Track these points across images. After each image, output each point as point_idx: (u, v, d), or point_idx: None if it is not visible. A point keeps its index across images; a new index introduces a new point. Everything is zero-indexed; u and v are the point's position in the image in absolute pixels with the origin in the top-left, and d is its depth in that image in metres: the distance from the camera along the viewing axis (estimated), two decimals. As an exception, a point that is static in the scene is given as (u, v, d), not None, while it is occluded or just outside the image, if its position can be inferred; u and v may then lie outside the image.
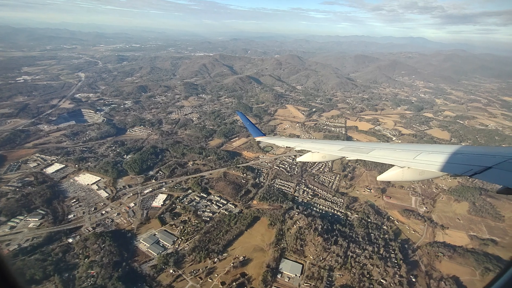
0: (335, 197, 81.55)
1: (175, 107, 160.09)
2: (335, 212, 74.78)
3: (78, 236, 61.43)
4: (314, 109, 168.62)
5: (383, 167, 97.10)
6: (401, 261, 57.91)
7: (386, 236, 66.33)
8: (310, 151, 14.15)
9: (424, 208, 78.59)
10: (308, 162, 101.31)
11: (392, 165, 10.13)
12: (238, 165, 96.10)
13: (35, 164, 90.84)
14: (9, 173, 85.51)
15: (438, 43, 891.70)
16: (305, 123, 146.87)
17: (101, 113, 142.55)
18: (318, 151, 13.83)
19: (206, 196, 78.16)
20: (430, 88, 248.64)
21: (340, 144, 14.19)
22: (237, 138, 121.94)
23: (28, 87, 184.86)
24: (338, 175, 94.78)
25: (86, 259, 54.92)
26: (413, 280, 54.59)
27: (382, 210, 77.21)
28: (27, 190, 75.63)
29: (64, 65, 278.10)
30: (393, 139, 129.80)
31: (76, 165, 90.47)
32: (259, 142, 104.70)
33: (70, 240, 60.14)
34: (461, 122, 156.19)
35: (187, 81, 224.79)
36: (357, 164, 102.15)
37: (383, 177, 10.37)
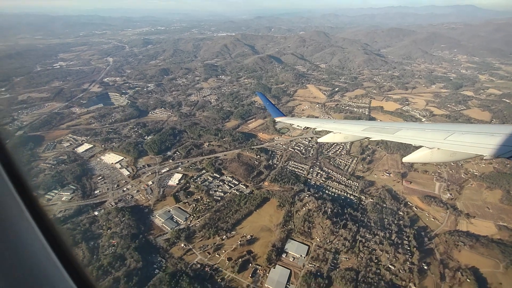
0: (349, 181, 78.82)
1: (194, 89, 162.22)
2: (348, 196, 72.59)
3: (102, 210, 67.37)
4: (336, 89, 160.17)
5: (407, 150, 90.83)
6: (415, 249, 55.25)
7: (401, 222, 63.28)
8: (331, 131, 13.75)
9: (449, 195, 72.92)
10: (328, 143, 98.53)
11: (419, 147, 9.71)
12: (252, 147, 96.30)
13: (68, 144, 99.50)
14: (46, 151, 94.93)
15: (491, 11, 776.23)
16: (326, 103, 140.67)
17: (126, 96, 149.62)
18: (340, 132, 13.41)
19: (219, 176, 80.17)
20: (474, 63, 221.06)
21: (363, 125, 13.75)
22: (253, 119, 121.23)
23: (63, 72, 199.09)
24: (356, 158, 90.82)
25: (108, 230, 60.47)
26: (425, 268, 52.10)
27: (400, 196, 73.22)
28: (61, 168, 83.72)
29: (95, 50, 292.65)
30: (423, 120, 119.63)
31: (103, 145, 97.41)
32: (275, 123, 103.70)
33: (96, 213, 66.19)
34: (507, 101, 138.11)
35: (208, 62, 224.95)
36: (378, 147, 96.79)
37: (410, 158, 10.12)
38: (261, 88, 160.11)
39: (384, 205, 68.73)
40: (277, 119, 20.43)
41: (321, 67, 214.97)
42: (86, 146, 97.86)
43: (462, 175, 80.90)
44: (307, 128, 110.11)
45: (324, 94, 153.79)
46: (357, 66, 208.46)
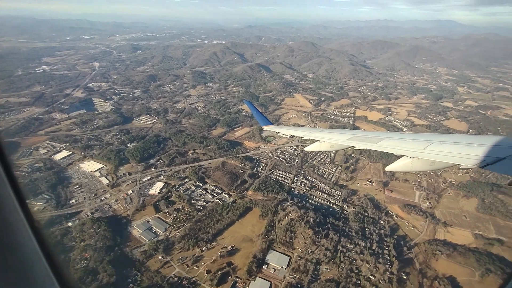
0: (333, 190, 79.31)
1: (182, 96, 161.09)
2: (331, 205, 72.85)
3: (77, 221, 64.46)
4: (323, 98, 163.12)
5: (389, 159, 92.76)
6: (394, 258, 55.60)
7: (382, 231, 63.81)
8: (318, 140, 14.07)
9: (428, 204, 74.54)
10: (313, 152, 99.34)
11: (401, 156, 10.03)
12: (237, 155, 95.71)
13: (45, 151, 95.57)
14: (21, 159, 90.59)
15: (470, 27, 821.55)
16: (312, 112, 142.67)
17: (110, 102, 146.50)
18: (326, 141, 13.74)
19: (202, 185, 78.84)
20: (453, 76, 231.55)
21: (349, 134, 13.85)
22: (240, 127, 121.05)
23: (46, 76, 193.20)
24: (340, 167, 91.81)
25: (81, 243, 57.70)
26: (404, 277, 52.36)
27: (381, 205, 74.17)
28: (35, 176, 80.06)
29: (81, 55, 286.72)
30: (404, 130, 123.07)
31: (82, 153, 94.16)
32: (261, 131, 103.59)
33: (70, 224, 63.23)
34: (483, 112, 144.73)
35: (196, 69, 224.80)
36: (361, 156, 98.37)
37: (392, 167, 10.24)
38: (249, 96, 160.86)
39: (366, 214, 69.29)
40: (265, 128, 20.66)
41: (308, 76, 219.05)
42: (64, 153, 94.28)
43: (441, 184, 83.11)
44: (293, 136, 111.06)
45: (311, 103, 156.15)
46: (343, 77, 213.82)
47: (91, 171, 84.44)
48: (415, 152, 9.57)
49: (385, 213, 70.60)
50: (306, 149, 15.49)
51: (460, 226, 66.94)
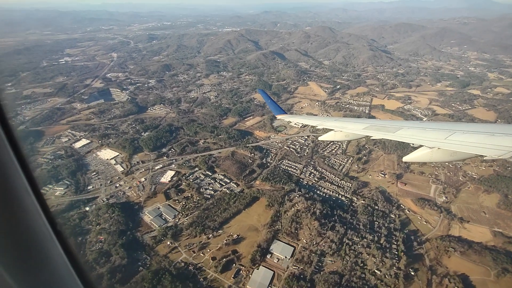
0: (343, 181, 77.57)
1: (195, 85, 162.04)
2: (340, 197, 71.50)
3: (94, 206, 68.34)
4: (338, 86, 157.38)
5: (405, 150, 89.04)
6: (402, 253, 54.02)
7: (392, 225, 61.97)
8: (332, 130, 13.74)
9: (444, 198, 70.96)
10: (326, 142, 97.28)
11: (420, 146, 9.77)
12: (247, 145, 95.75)
13: (66, 139, 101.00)
14: (45, 146, 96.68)
15: (507, 6, 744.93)
16: (326, 101, 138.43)
17: (127, 92, 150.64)
18: (341, 130, 13.39)
19: (211, 174, 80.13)
20: (484, 60, 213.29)
21: (364, 123, 13.44)
22: (251, 117, 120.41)
23: (68, 68, 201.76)
24: (352, 158, 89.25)
25: (97, 226, 61.31)
26: (412, 273, 50.93)
27: (393, 198, 71.69)
28: (57, 163, 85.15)
29: (100, 46, 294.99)
30: (424, 119, 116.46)
31: (100, 141, 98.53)
32: (272, 121, 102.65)
33: (87, 209, 67.21)
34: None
35: (210, 58, 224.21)
36: (375, 147, 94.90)
37: (410, 157, 10.20)
38: (262, 85, 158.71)
39: (376, 207, 67.40)
40: (278, 117, 20.68)
41: (324, 63, 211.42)
42: (83, 141, 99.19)
43: (460, 178, 78.55)
44: (305, 126, 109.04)
45: (325, 91, 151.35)
46: (361, 63, 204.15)
47: (108, 159, 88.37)
48: (435, 142, 9.21)
49: (396, 206, 68.25)
50: (320, 138, 15.37)
51: (478, 223, 63.41)
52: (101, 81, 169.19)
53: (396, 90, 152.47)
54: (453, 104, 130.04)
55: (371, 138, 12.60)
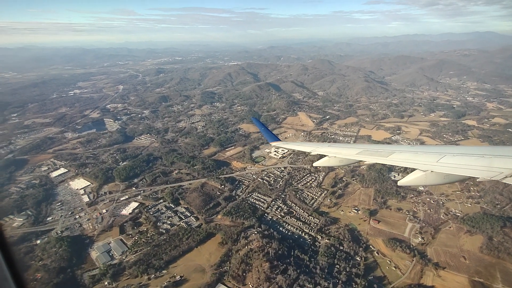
0: (311, 217, 72.28)
1: (186, 115, 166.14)
2: (303, 234, 65.94)
3: (46, 238, 66.27)
4: (328, 116, 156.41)
5: (384, 184, 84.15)
6: (359, 305, 47.20)
7: (354, 270, 55.38)
8: (326, 155, 14.01)
9: (420, 239, 63.86)
10: (303, 174, 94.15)
11: (413, 169, 9.83)
12: (220, 176, 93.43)
13: (46, 168, 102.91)
14: (24, 175, 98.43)
15: (511, 37, 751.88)
16: (312, 131, 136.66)
17: (119, 122, 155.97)
18: (334, 155, 13.62)
19: (173, 207, 77.35)
20: (483, 90, 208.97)
21: (357, 148, 13.72)
22: (232, 147, 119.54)
23: (74, 99, 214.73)
24: (326, 191, 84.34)
25: (39, 262, 58.54)
26: (366, 332, 43.77)
27: (363, 237, 65.30)
28: (28, 192, 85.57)
29: (111, 79, 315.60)
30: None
31: (76, 170, 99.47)
32: (252, 151, 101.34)
33: (38, 242, 65.15)
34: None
35: (208, 90, 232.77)
36: (353, 179, 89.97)
37: (405, 181, 10.04)
38: (252, 115, 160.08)
39: (341, 247, 61.25)
40: (273, 144, 20.63)
41: (318, 94, 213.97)
42: (61, 170, 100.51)
43: (442, 216, 71.41)
44: (283, 157, 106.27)
45: (314, 121, 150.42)
46: (355, 94, 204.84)
47: (78, 189, 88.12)
48: (428, 165, 9.38)
49: (364, 247, 61.75)
50: (314, 164, 15.57)
51: (455, 270, 55.65)
52: (98, 111, 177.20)
53: (387, 120, 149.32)
54: (444, 135, 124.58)
55: (365, 163, 15.66)
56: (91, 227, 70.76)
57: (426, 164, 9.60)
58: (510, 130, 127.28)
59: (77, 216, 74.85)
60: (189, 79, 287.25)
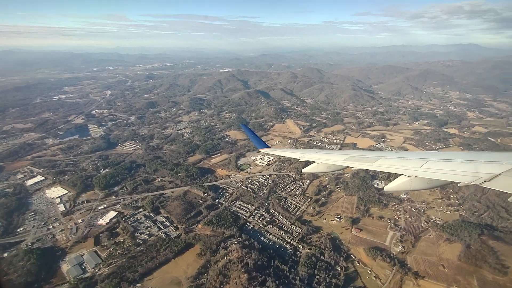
0: (293, 226, 71.44)
1: (173, 122, 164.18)
2: (284, 244, 64.89)
3: (14, 251, 62.72)
4: (315, 124, 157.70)
5: (366, 192, 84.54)
6: (337, 317, 46.22)
7: (334, 280, 54.57)
8: (315, 162, 14.18)
9: (400, 247, 63.86)
10: (289, 181, 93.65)
11: (399, 175, 10.02)
12: (203, 184, 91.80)
13: (21, 175, 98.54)
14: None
15: (494, 49, 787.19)
16: (299, 139, 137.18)
17: (104, 128, 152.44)
18: (323, 162, 13.85)
19: (153, 216, 75.05)
20: (465, 100, 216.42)
21: (345, 154, 13.95)
22: (218, 154, 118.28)
23: (58, 104, 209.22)
24: (310, 199, 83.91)
25: (4, 277, 55.10)
26: None
27: (344, 246, 64.79)
28: (0, 201, 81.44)
29: (99, 84, 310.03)
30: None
31: (54, 178, 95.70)
32: (237, 159, 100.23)
33: (5, 255, 61.56)
34: (492, 139, 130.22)
35: (197, 96, 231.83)
36: (337, 187, 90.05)
37: (390, 187, 10.11)
38: (240, 122, 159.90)
39: (322, 257, 60.46)
40: (262, 150, 20.53)
41: (307, 102, 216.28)
42: (38, 178, 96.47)
43: (422, 224, 71.92)
44: (269, 165, 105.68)
45: (301, 129, 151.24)
46: (342, 102, 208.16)
47: (53, 198, 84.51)
48: (412, 171, 9.59)
49: (345, 257, 61.18)
50: (303, 171, 15.70)
51: (434, 279, 55.63)
52: (83, 117, 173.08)
53: (372, 128, 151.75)
54: (427, 143, 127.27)
55: (352, 168, 12.89)
56: (64, 238, 67.55)
57: (410, 169, 9.80)
58: (489, 138, 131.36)
59: (50, 227, 71.39)
60: (178, 85, 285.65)
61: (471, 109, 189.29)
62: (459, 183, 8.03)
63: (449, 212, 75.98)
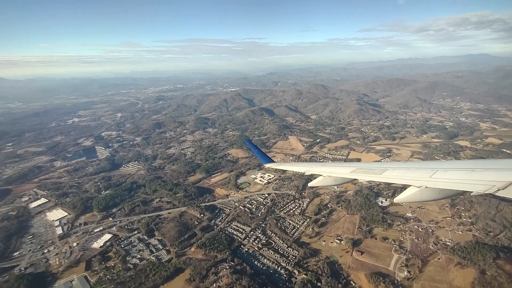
0: (290, 248, 67.81)
1: (177, 142, 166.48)
2: (279, 269, 61.21)
3: (7, 276, 62.52)
4: (318, 140, 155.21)
5: (369, 210, 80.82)
6: None
7: (330, 310, 50.23)
8: (321, 175, 14.03)
9: (406, 273, 58.66)
10: (288, 200, 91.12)
11: (408, 185, 9.76)
12: (201, 204, 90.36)
13: (26, 198, 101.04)
14: (3, 206, 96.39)
15: (505, 58, 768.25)
16: (302, 155, 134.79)
17: (110, 149, 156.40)
18: (329, 175, 13.68)
19: (147, 239, 73.68)
20: (477, 110, 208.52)
21: (351, 166, 13.71)
22: (219, 173, 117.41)
23: (71, 127, 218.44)
24: (309, 219, 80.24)
25: (-7, 303, 54.54)
26: None
27: (343, 271, 60.31)
28: (1, 224, 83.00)
29: (111, 107, 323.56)
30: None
31: (56, 200, 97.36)
32: (237, 178, 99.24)
33: (-2, 280, 61.37)
34: (507, 151, 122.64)
35: (203, 116, 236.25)
36: (338, 206, 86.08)
37: (400, 198, 9.91)
38: (242, 140, 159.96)
39: (319, 284, 56.32)
40: (266, 165, 20.56)
41: (311, 118, 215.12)
42: (42, 201, 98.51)
43: (431, 246, 66.44)
44: (269, 183, 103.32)
45: (304, 145, 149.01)
46: (347, 117, 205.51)
47: (53, 220, 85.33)
48: (422, 181, 9.36)
49: (344, 283, 56.69)
50: (309, 184, 15.41)
51: (444, 309, 50.14)
52: (92, 139, 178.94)
53: (378, 143, 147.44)
54: (436, 157, 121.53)
55: (359, 181, 12.91)
56: (57, 262, 66.96)
57: (419, 180, 9.55)
58: (504, 150, 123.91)
59: (45, 251, 71.30)
60: (186, 105, 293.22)
61: (484, 119, 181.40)
62: (471, 192, 7.72)
63: (460, 232, 70.11)
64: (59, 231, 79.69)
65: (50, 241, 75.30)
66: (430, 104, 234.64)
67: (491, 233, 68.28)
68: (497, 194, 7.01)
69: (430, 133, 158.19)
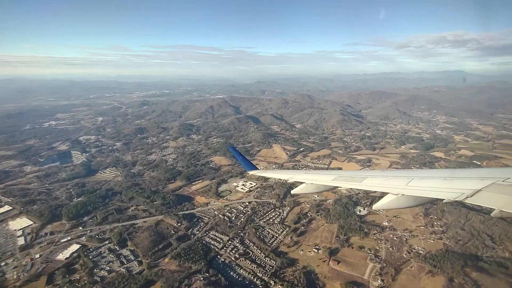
0: (267, 258, 66.61)
1: (159, 148, 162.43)
2: (255, 279, 59.75)
3: (-44, 291, 56.98)
4: (302, 149, 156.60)
5: (347, 219, 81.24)
6: None
7: (304, 322, 49.23)
8: (304, 182, 14.20)
9: (379, 282, 58.96)
10: (268, 209, 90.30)
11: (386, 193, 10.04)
12: (178, 213, 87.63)
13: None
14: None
15: (479, 75, 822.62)
16: (284, 164, 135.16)
17: (87, 154, 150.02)
18: (312, 182, 13.89)
19: (118, 249, 70.06)
20: (452, 124, 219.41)
21: (332, 174, 14.03)
22: (200, 180, 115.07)
23: (46, 131, 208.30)
24: (288, 228, 79.61)
25: None
26: None
27: (320, 281, 59.75)
28: (-44, 234, 76.29)
29: (92, 111, 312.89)
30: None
31: (22, 208, 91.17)
32: (218, 185, 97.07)
33: None
34: (477, 163, 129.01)
35: (188, 122, 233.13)
36: (318, 215, 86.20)
37: (379, 205, 10.14)
38: (226, 147, 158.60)
39: (294, 295, 55.33)
40: (250, 172, 20.57)
41: (296, 127, 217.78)
42: (5, 208, 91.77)
43: (404, 254, 67.48)
44: (250, 191, 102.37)
45: (287, 154, 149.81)
46: (331, 126, 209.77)
47: (15, 230, 79.48)
48: (399, 189, 9.70)
49: (319, 294, 56.08)
50: (292, 192, 15.32)
51: (415, 319, 50.48)
52: (68, 143, 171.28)
53: (359, 153, 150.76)
54: (412, 167, 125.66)
55: (340, 188, 14.76)
56: (15, 276, 61.90)
57: (396, 187, 9.87)
58: (475, 161, 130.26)
59: (2, 264, 65.83)
60: (171, 111, 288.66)
61: (458, 132, 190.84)
62: (443, 199, 8.10)
63: (432, 241, 71.89)
64: (21, 241, 74.11)
65: (9, 253, 69.74)
66: (409, 116, 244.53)
67: (460, 241, 70.47)
68: (466, 201, 7.38)
69: (408, 144, 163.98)
